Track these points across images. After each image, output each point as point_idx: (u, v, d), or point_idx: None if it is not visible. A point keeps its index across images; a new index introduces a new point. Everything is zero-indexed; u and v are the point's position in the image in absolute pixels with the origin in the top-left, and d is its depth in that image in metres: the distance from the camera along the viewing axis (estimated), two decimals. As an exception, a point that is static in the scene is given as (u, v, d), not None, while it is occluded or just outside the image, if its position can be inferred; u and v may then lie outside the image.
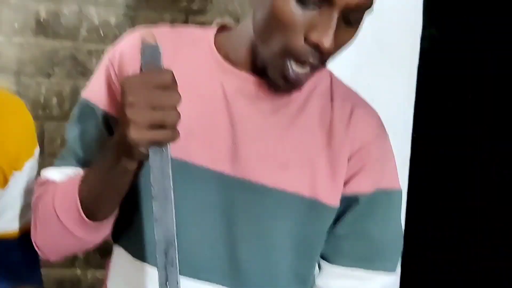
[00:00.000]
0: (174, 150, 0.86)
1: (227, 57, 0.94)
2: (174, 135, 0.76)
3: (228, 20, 1.09)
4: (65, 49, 1.68)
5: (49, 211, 0.89)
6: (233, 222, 0.90)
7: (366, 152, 0.94)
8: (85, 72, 1.70)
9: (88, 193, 0.86)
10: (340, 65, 1.83)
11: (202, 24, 1.74)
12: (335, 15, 0.81)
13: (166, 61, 0.88)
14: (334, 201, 0.92)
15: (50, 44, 1.67)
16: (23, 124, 1.05)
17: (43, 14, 1.65)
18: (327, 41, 0.80)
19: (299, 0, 0.81)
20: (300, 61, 0.83)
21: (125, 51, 0.95)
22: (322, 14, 0.81)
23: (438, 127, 4.92)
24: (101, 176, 0.84)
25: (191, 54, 0.94)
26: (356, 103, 0.97)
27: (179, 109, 0.81)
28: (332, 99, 0.96)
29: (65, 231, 0.89)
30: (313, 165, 0.92)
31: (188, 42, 0.95)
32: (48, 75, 1.69)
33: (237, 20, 1.72)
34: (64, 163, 0.97)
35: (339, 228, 0.94)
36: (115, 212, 0.89)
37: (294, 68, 0.84)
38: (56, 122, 1.72)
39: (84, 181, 0.87)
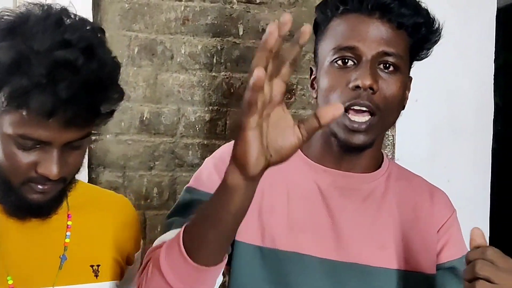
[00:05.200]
0: (286, 243, 0.98)
1: (311, 156, 1.07)
2: None
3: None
4: (164, 144, 1.85)
5: (155, 265, 0.87)
6: None
7: (449, 225, 1.08)
8: (182, 164, 1.85)
9: (192, 229, 0.84)
10: (417, 149, 1.92)
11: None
12: (368, 61, 0.99)
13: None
14: (431, 269, 1.02)
15: (151, 140, 1.85)
16: (133, 222, 1.18)
17: (146, 114, 1.84)
18: (367, 81, 0.97)
19: (339, 64, 1.02)
20: (355, 109, 0.98)
21: (227, 153, 1.08)
22: (358, 67, 1.01)
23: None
24: (206, 210, 0.83)
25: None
26: (431, 186, 1.12)
27: (287, 210, 0.96)
28: (409, 182, 1.10)
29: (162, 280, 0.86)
30: (405, 241, 1.03)
31: None
32: (150, 168, 1.85)
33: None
34: (177, 227, 0.99)
35: None
36: (221, 259, 0.86)
37: (352, 119, 0.98)
38: (156, 211, 1.84)
39: (188, 224, 0.86)
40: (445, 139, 1.98)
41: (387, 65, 0.99)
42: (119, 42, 1.81)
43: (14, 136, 0.90)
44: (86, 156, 1.77)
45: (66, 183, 1.00)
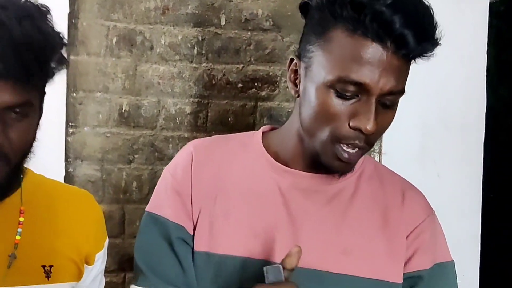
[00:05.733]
0: (238, 248, 0.94)
1: (276, 156, 1.02)
2: None
3: (292, 106, 1.17)
4: (144, 137, 1.81)
5: None
6: None
7: (421, 231, 1.00)
8: (163, 158, 1.81)
9: None
10: (406, 144, 1.88)
11: (270, 109, 1.84)
12: (373, 102, 0.88)
13: (223, 169, 0.99)
14: (396, 278, 0.96)
15: (130, 133, 1.80)
16: (95, 219, 1.12)
17: (125, 107, 1.79)
18: (370, 126, 0.88)
19: (340, 95, 0.89)
20: (349, 144, 0.91)
21: (181, 164, 1.04)
22: (361, 102, 0.89)
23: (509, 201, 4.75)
24: None
25: (244, 158, 1.03)
26: (405, 186, 1.04)
27: (244, 213, 0.91)
28: (382, 182, 1.03)
29: None
30: (372, 247, 0.98)
31: (240, 148, 1.04)
32: (129, 162, 1.81)
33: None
34: (154, 285, 1.01)
35: None
36: None
37: (345, 149, 0.92)
38: (136, 205, 1.81)
39: None
40: (435, 133, 1.94)
41: (389, 103, 0.91)
42: (97, 32, 1.76)
43: None
44: (63, 149, 1.75)
45: (9, 163, 0.93)
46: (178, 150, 1.77)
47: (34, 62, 0.89)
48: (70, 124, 1.76)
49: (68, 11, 1.72)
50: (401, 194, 1.02)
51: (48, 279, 1.01)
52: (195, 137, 1.79)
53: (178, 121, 1.81)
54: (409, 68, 0.92)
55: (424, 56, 0.91)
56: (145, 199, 1.80)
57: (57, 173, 1.71)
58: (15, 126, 0.92)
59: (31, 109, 0.94)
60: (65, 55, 0.97)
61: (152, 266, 1.02)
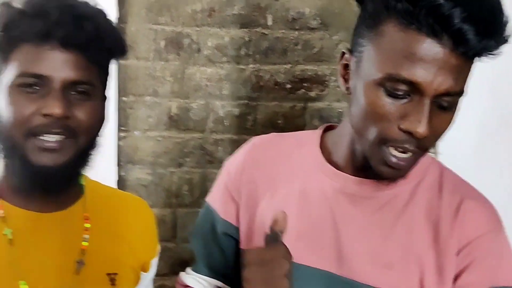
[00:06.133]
0: None
1: (330, 158, 0.97)
2: None
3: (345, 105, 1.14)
4: (194, 140, 1.81)
5: None
6: None
7: (475, 246, 0.89)
8: (213, 161, 1.80)
9: None
10: (463, 143, 1.81)
11: (320, 110, 1.80)
12: (426, 103, 0.81)
13: (277, 167, 0.97)
14: None
15: (181, 136, 1.81)
16: (150, 226, 1.12)
17: (174, 110, 1.80)
18: (421, 129, 0.81)
19: (390, 93, 0.83)
20: (398, 148, 0.84)
21: (235, 161, 1.05)
22: (413, 103, 0.82)
23: None
24: None
25: (298, 158, 1.00)
26: (466, 195, 0.93)
27: (288, 211, 0.87)
28: (440, 191, 0.94)
29: None
30: (420, 262, 0.90)
31: (296, 147, 1.01)
32: (180, 165, 1.81)
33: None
34: (199, 271, 1.09)
35: None
36: None
37: (394, 154, 0.85)
38: (187, 209, 1.81)
39: None
40: (494, 131, 1.86)
41: (447, 104, 0.83)
42: (145, 36, 1.77)
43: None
44: (115, 153, 1.76)
45: (77, 141, 0.92)
46: (228, 153, 1.78)
47: (95, 37, 0.91)
48: (121, 128, 1.78)
49: (116, 16, 1.73)
50: (456, 205, 0.92)
51: (113, 287, 1.01)
52: (244, 140, 1.77)
53: (226, 123, 1.80)
54: (470, 67, 0.84)
55: (489, 54, 0.82)
56: (196, 202, 1.80)
57: (109, 177, 1.73)
58: (80, 105, 0.92)
59: (94, 91, 0.94)
60: (124, 46, 0.99)
61: (201, 253, 1.08)
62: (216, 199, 1.05)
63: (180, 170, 1.80)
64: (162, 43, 1.77)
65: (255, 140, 1.06)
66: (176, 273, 1.79)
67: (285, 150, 1.01)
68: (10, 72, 0.90)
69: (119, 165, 1.78)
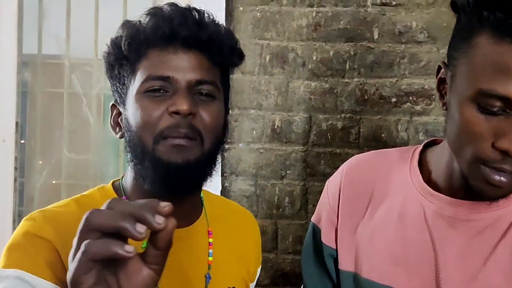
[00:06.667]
0: (381, 275, 0.88)
1: (430, 176, 0.93)
2: None
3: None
4: (296, 153, 1.82)
5: None
6: None
7: None
8: (314, 174, 1.81)
9: None
10: None
11: (426, 124, 1.76)
12: None
13: (377, 187, 0.94)
14: None
15: (283, 149, 1.83)
16: (258, 238, 1.14)
17: (277, 123, 1.82)
18: None
19: (483, 110, 0.78)
20: (495, 168, 0.79)
21: (333, 181, 1.04)
22: (509, 119, 0.77)
23: None
24: None
25: (398, 177, 0.97)
26: None
27: (384, 235, 0.84)
28: None
29: None
30: None
31: (396, 165, 0.98)
32: (281, 177, 1.83)
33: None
34: None
35: None
36: None
37: (491, 173, 0.80)
38: (288, 221, 1.82)
39: None
40: None
41: None
42: (251, 51, 1.81)
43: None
44: (220, 164, 1.81)
45: (202, 144, 0.93)
46: (330, 166, 1.78)
47: (216, 38, 0.93)
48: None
49: (224, 32, 1.79)
50: None
51: None
52: (347, 154, 1.77)
53: (329, 137, 1.80)
54: None
55: None
56: (297, 214, 1.81)
57: (214, 187, 1.78)
58: (204, 105, 0.93)
59: (218, 92, 0.96)
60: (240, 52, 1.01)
61: (307, 273, 1.06)
62: (317, 219, 1.05)
63: (281, 182, 1.82)
64: (268, 58, 1.81)
65: (353, 160, 1.05)
66: (276, 284, 1.82)
67: (384, 168, 0.99)
68: (139, 80, 0.92)
69: (223, 175, 1.83)
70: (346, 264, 0.97)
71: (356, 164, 1.03)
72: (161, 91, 0.92)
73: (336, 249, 1.00)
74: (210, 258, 1.00)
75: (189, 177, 0.92)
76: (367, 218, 0.97)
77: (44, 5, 2.02)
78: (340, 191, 1.00)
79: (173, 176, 0.91)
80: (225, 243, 1.04)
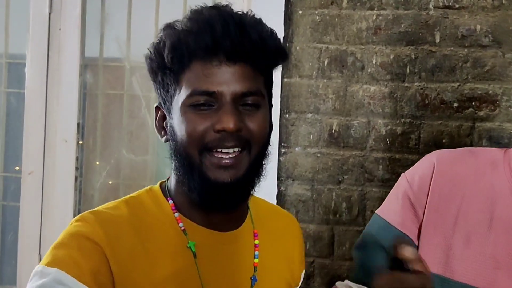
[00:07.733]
0: (478, 279, 0.86)
1: None
2: None
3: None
4: (354, 158, 1.80)
5: None
6: None
7: None
8: (372, 179, 1.78)
9: None
10: None
11: (490, 130, 1.71)
12: None
13: (469, 187, 0.91)
14: None
15: (340, 154, 1.81)
16: (301, 241, 1.13)
17: (335, 127, 1.80)
18: None
19: None
20: None
21: (420, 173, 1.00)
22: None
23: None
24: None
25: (492, 179, 0.94)
26: None
27: (483, 239, 0.82)
28: None
29: None
30: None
31: (488, 166, 0.96)
32: (338, 182, 1.81)
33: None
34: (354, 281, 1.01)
35: None
36: None
37: None
38: (345, 227, 1.80)
39: None
40: None
41: None
42: (309, 54, 1.80)
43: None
44: (275, 168, 1.81)
45: (250, 152, 0.93)
46: (389, 172, 1.75)
47: (260, 45, 0.92)
48: (283, 144, 1.82)
49: (283, 35, 1.79)
50: None
51: None
52: (406, 159, 1.74)
53: (388, 142, 1.76)
54: None
55: None
56: (354, 220, 1.78)
57: (270, 192, 1.78)
58: (250, 116, 0.93)
59: (262, 100, 0.95)
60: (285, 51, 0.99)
61: (363, 261, 1.04)
62: (391, 210, 1.02)
63: (338, 187, 1.80)
64: (326, 61, 1.80)
65: (441, 154, 1.01)
66: (332, 290, 1.80)
67: (477, 169, 0.96)
68: (184, 93, 0.92)
69: (279, 180, 1.82)
70: (432, 264, 0.94)
71: (448, 158, 0.99)
72: (207, 105, 0.92)
73: (417, 246, 0.97)
74: (256, 260, 1.00)
75: (239, 191, 0.94)
76: (461, 220, 0.94)
77: (106, 9, 2.07)
78: (430, 184, 0.97)
79: (222, 193, 0.92)
80: (270, 245, 1.03)
